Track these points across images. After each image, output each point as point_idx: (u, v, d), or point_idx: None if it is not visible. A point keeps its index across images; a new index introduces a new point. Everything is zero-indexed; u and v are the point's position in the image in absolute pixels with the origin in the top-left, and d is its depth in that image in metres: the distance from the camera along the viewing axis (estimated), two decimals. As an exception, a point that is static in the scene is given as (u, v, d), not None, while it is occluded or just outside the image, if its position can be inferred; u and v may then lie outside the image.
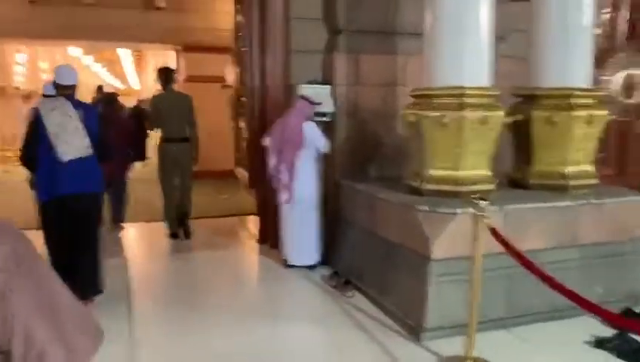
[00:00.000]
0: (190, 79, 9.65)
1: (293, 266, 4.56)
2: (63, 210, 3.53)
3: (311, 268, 4.53)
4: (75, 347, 1.12)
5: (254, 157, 5.29)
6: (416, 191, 3.83)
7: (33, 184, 3.96)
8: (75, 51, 19.63)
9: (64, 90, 3.67)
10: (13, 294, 1.01)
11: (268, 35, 4.97)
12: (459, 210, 3.37)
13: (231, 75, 6.18)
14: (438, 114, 3.65)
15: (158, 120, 5.50)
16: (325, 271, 4.46)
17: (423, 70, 3.86)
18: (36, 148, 3.52)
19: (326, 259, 4.64)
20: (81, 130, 3.52)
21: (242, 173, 5.90)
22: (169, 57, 11.46)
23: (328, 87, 4.83)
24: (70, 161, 3.47)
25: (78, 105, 3.65)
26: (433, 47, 3.74)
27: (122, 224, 6.08)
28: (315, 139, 4.46)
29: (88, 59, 23.58)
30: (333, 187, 4.72)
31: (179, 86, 10.16)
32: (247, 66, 5.37)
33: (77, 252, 3.60)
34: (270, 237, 5.13)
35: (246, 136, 5.70)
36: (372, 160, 4.93)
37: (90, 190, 3.64)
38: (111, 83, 37.08)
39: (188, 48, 9.62)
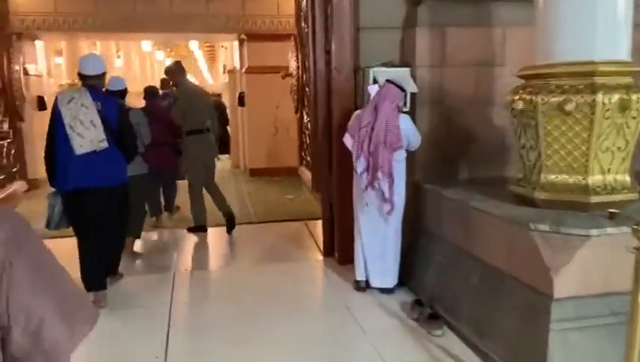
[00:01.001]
0: (254, 70, 9.04)
1: (366, 287, 3.76)
2: (79, 203, 3.48)
3: (387, 291, 3.71)
4: (72, 321, 1.12)
5: (318, 156, 4.53)
6: (527, 201, 2.93)
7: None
8: (147, 46, 19.85)
9: (88, 81, 3.57)
10: (13, 268, 1.02)
11: (333, 10, 4.17)
12: (594, 231, 2.45)
13: (293, 61, 5.45)
14: (559, 98, 2.72)
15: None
16: (405, 296, 3.63)
17: (535, 43, 2.94)
18: (55, 140, 3.46)
19: (403, 279, 3.80)
20: (97, 123, 3.40)
21: (306, 174, 5.17)
22: (235, 50, 10.95)
23: (407, 70, 3.97)
24: (84, 155, 3.38)
25: (98, 96, 3.52)
26: (551, 13, 2.81)
27: (172, 213, 6.15)
28: (410, 134, 3.61)
29: (160, 55, 23.96)
30: (412, 190, 3.86)
31: (241, 76, 9.66)
32: (309, 49, 4.60)
33: (100, 244, 3.58)
34: (338, 250, 4.36)
35: (308, 132, 4.96)
36: (461, 158, 4.03)
37: (105, 184, 3.51)
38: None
39: (252, 37, 9.01)
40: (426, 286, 3.61)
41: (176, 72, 5.42)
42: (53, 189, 3.59)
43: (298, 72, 5.26)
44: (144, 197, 5.07)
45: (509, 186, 3.16)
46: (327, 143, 4.46)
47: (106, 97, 3.71)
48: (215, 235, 5.57)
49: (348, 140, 3.69)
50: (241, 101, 9.43)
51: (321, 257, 4.60)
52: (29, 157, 8.41)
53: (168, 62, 31.95)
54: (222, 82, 18.78)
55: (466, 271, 3.21)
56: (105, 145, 3.43)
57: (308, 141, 5.09)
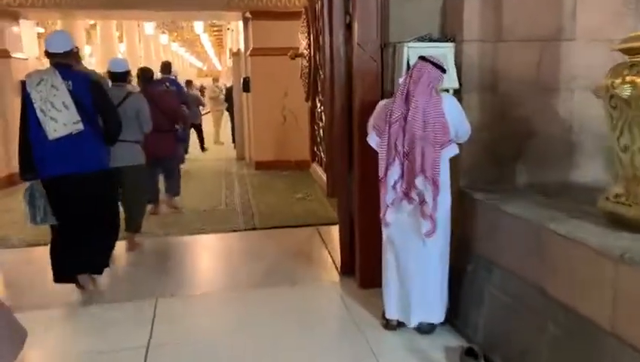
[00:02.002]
0: (259, 52, 8.17)
1: (398, 325, 2.94)
2: (58, 191, 3.31)
3: (428, 330, 2.89)
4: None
5: (335, 154, 3.70)
6: (631, 225, 2.09)
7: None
8: (150, 29, 18.99)
9: (55, 59, 3.35)
10: None
11: (355, -29, 3.31)
12: None
13: (304, 39, 4.59)
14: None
15: None
16: (449, 339, 2.81)
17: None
18: (26, 125, 3.27)
19: (446, 315, 2.97)
20: (69, 104, 3.20)
21: (319, 174, 4.34)
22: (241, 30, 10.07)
23: (450, 45, 3.11)
24: (60, 140, 3.19)
25: (68, 75, 3.29)
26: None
27: (176, 199, 5.84)
28: (458, 121, 2.76)
29: (164, 39, 23.12)
30: (456, 200, 3.01)
31: (245, 59, 8.78)
32: (324, 23, 3.73)
33: (84, 233, 3.39)
34: (360, 269, 3.54)
35: (322, 124, 4.12)
36: (518, 159, 3.17)
37: (86, 169, 3.32)
38: (193, 63, 36.95)
39: (257, 14, 8.13)
40: (478, 327, 2.78)
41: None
42: (26, 184, 3.38)
43: (310, 52, 4.41)
44: (146, 189, 4.82)
45: (596, 199, 2.31)
46: (346, 139, 3.62)
47: (78, 74, 3.46)
48: (211, 244, 4.76)
49: (373, 139, 2.83)
50: (246, 86, 8.57)
51: (338, 277, 3.77)
52: (12, 149, 7.62)
53: (174, 46, 31.07)
54: (228, 67, 17.97)
55: (539, 315, 2.37)
56: (80, 126, 3.23)
57: (322, 134, 4.26)
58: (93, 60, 20.17)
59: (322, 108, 4.17)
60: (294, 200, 6.21)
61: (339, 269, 3.83)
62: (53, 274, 3.45)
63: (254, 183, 7.34)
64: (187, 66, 37.27)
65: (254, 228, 5.05)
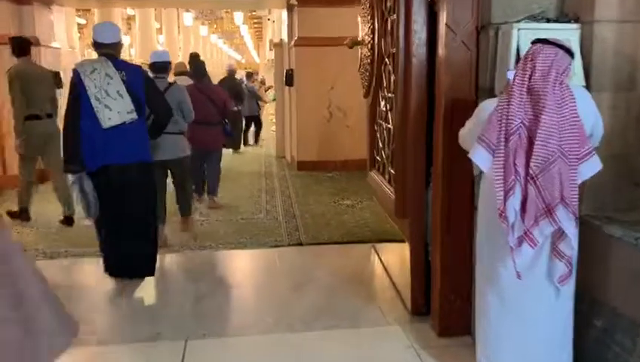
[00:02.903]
0: (304, 42, 7.47)
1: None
2: (108, 181, 3.28)
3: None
4: (39, 333, 1.10)
5: (408, 165, 2.96)
6: None
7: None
8: (189, 20, 18.57)
9: (104, 49, 3.37)
10: None
11: None
12: None
13: (366, 23, 3.84)
14: None
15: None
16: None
17: None
18: (78, 113, 3.22)
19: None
20: (124, 93, 3.23)
21: (380, 185, 3.59)
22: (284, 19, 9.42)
23: (574, 27, 2.34)
24: (112, 129, 3.20)
25: (120, 66, 3.33)
26: None
27: (216, 198, 5.68)
28: (594, 124, 2.08)
29: (204, 30, 22.71)
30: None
31: (289, 50, 8.09)
32: (397, 2, 2.98)
33: (127, 227, 3.35)
34: (438, 312, 2.80)
35: (386, 125, 3.37)
36: (664, 180, 2.37)
37: (136, 160, 3.33)
38: (232, 56, 36.81)
39: (303, 1, 7.43)
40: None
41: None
42: (70, 177, 3.30)
43: (373, 39, 3.68)
44: (191, 177, 4.89)
45: None
46: (422, 146, 2.89)
47: (130, 66, 3.51)
48: (251, 264, 4.11)
49: (481, 157, 2.06)
50: (289, 80, 7.89)
51: (407, 317, 3.04)
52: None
53: (213, 38, 30.84)
54: (268, 60, 17.34)
55: None
56: (134, 116, 3.25)
57: (385, 138, 3.52)
58: (133, 51, 19.94)
59: (388, 106, 3.43)
60: (343, 208, 5.50)
61: (407, 307, 3.10)
62: (106, 267, 3.49)
63: (297, 186, 6.65)
64: (225, 59, 36.97)
65: (300, 244, 4.37)
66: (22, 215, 5.04)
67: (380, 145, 3.76)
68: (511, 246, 1.98)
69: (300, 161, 7.77)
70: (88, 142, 3.22)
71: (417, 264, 3.01)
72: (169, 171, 4.45)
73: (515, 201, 1.96)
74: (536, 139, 1.93)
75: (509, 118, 1.98)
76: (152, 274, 3.50)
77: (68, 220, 4.90)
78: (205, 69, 5.72)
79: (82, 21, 16.78)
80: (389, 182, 3.47)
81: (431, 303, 2.91)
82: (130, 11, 18.39)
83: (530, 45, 2.08)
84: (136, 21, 17.87)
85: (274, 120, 14.20)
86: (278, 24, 12.10)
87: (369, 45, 3.79)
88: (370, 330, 2.92)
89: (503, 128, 1.99)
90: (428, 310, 2.99)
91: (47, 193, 6.26)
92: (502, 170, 1.97)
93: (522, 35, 2.34)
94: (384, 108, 3.56)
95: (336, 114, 7.63)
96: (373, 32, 3.69)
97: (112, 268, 3.46)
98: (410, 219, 3.00)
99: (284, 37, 8.78)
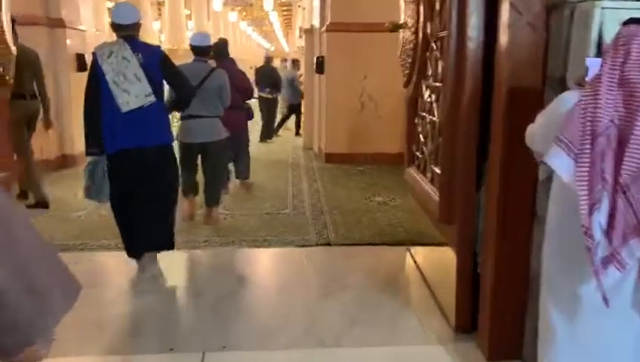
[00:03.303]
0: (337, 27, 7.11)
1: None
2: (126, 164, 3.23)
3: None
4: (44, 294, 1.11)
5: (457, 164, 2.61)
6: None
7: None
8: (218, 5, 18.30)
9: (122, 31, 3.30)
10: None
11: None
12: None
13: (409, 4, 3.47)
14: None
15: None
16: None
17: None
18: (97, 98, 3.19)
19: None
20: (141, 76, 3.16)
21: (420, 186, 3.24)
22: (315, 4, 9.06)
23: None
24: (131, 112, 3.15)
25: (137, 47, 3.26)
26: None
27: (248, 181, 5.78)
28: None
29: (233, 16, 22.44)
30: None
31: (320, 36, 7.72)
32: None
33: (144, 208, 3.30)
34: (489, 333, 2.45)
35: (430, 117, 3.00)
36: None
37: (154, 143, 3.29)
38: (261, 44, 36.61)
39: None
40: None
41: None
42: (88, 158, 3.28)
43: (417, 21, 3.31)
44: (226, 163, 4.97)
45: None
46: (474, 142, 2.54)
47: (148, 47, 3.39)
48: (276, 265, 3.81)
49: (561, 160, 1.68)
50: (320, 67, 7.55)
51: (450, 334, 2.70)
52: (65, 128, 7.01)
53: (242, 25, 30.65)
54: (298, 47, 17.00)
55: None
56: (152, 99, 3.20)
57: (429, 132, 3.17)
58: (163, 37, 19.83)
59: (433, 97, 3.08)
60: (375, 205, 5.16)
61: (450, 322, 2.76)
62: (127, 251, 3.44)
63: (325, 180, 6.33)
64: (255, 47, 36.75)
65: (329, 244, 4.06)
66: (38, 204, 4.89)
67: (422, 139, 3.41)
68: (595, 269, 1.62)
69: (328, 153, 7.44)
70: (107, 126, 3.20)
71: (464, 275, 2.67)
72: (200, 155, 4.47)
73: (600, 216, 1.60)
74: (630, 141, 1.57)
75: (596, 115, 1.61)
76: (171, 247, 3.50)
77: (40, 204, 4.88)
78: (227, 50, 5.43)
79: (110, 4, 16.70)
80: (432, 181, 3.12)
81: (479, 321, 2.57)
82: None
83: (620, 27, 1.71)
84: (166, 6, 17.71)
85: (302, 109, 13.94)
86: (309, 10, 11.74)
87: (412, 28, 3.43)
88: (409, 349, 2.59)
89: (588, 128, 1.62)
90: (474, 327, 2.66)
91: (68, 179, 6.12)
92: (587, 178, 1.61)
93: (607, 15, 1.96)
94: (428, 99, 3.20)
95: (368, 104, 7.27)
96: (417, 14, 3.33)
97: (132, 247, 3.41)
98: (458, 225, 2.65)
99: (316, 23, 8.42)
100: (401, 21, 3.71)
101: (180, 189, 3.95)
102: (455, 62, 2.60)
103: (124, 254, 3.71)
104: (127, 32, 3.28)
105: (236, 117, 5.18)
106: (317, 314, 2.88)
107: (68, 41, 6.88)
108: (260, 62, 10.61)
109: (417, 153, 3.55)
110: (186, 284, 3.47)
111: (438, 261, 3.59)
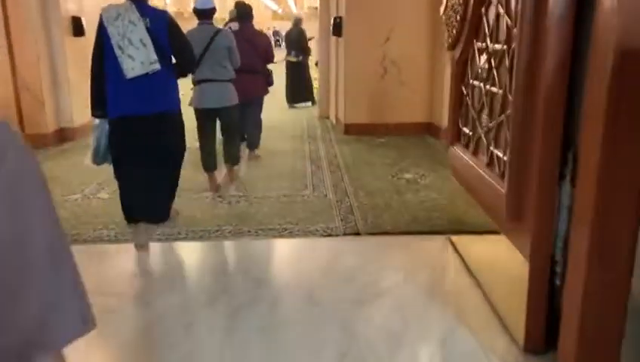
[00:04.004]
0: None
1: None
2: (127, 130, 3.14)
3: None
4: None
5: (532, 147, 2.06)
6: None
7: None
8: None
9: None
10: None
11: None
12: None
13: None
14: None
15: None
16: None
17: None
18: (101, 62, 3.09)
19: None
20: (147, 42, 3.04)
21: (471, 171, 2.67)
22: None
23: None
24: (135, 78, 3.04)
25: (145, 11, 3.12)
26: None
27: (257, 151, 5.66)
28: None
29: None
30: None
31: None
32: None
33: (143, 175, 3.20)
34: (577, 352, 1.95)
35: (488, 87, 2.41)
36: None
37: (157, 110, 3.16)
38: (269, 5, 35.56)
39: None
40: None
41: None
42: (96, 121, 3.25)
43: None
44: (240, 126, 4.91)
45: None
46: (560, 122, 1.98)
47: (156, 11, 3.26)
48: (298, 263, 3.30)
49: None
50: (337, 29, 6.90)
51: (517, 354, 2.20)
52: (62, 99, 6.47)
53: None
54: (308, 8, 16.11)
55: None
56: (157, 66, 3.08)
57: (485, 105, 2.60)
58: (168, 1, 19.03)
59: (493, 62, 2.49)
60: (403, 184, 4.62)
61: (516, 339, 2.25)
62: (124, 216, 3.32)
63: (345, 154, 5.78)
64: (262, 9, 35.57)
65: (357, 233, 3.54)
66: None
67: (473, 114, 2.84)
68: None
69: (347, 124, 6.86)
70: (110, 90, 3.10)
71: (538, 287, 2.15)
72: (217, 119, 4.47)
73: None
74: None
75: None
76: (163, 220, 3.42)
77: None
78: (246, 12, 5.33)
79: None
80: (489, 165, 2.57)
81: (561, 344, 2.06)
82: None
83: None
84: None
85: (315, 75, 13.25)
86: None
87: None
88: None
89: None
90: (548, 347, 2.16)
91: (67, 154, 5.61)
92: None
93: None
94: (484, 65, 2.62)
95: (391, 69, 6.65)
96: (469, -40, 2.72)
97: (130, 212, 3.29)
98: (532, 224, 2.11)
99: (331, -20, 7.71)
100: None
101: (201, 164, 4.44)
102: (532, 18, 2.02)
103: (125, 247, 3.27)
104: None
105: (253, 81, 5.13)
106: (353, 332, 2.38)
107: (61, 2, 6.27)
108: (266, 26, 10.36)
109: (466, 129, 2.98)
110: (191, 291, 2.96)
111: (489, 256, 3.07)
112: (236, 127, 4.66)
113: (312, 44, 12.47)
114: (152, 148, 3.17)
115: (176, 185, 3.45)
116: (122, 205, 3.29)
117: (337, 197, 4.29)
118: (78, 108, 6.46)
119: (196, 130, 4.41)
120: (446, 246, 3.34)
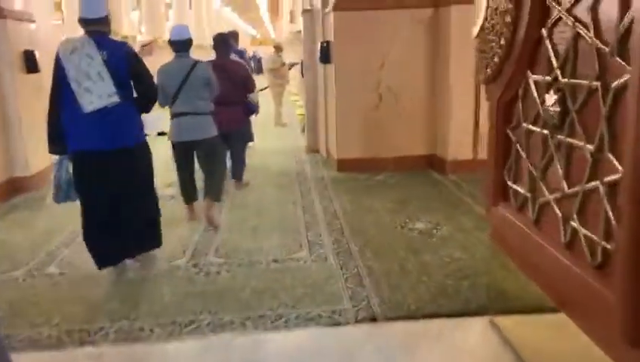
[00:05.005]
0: (347, 5, 5.73)
1: None
2: (90, 166, 3.11)
3: None
4: None
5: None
6: None
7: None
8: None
9: (88, 26, 3.13)
10: None
11: None
12: None
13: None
14: None
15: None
16: None
17: None
18: (59, 97, 3.08)
19: None
20: (105, 75, 3.02)
21: (533, 245, 1.91)
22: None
23: None
24: (94, 112, 3.00)
25: (103, 44, 3.09)
26: None
27: (242, 182, 5.49)
28: None
29: (216, 2, 20.85)
30: None
31: (324, 17, 6.22)
32: None
33: (120, 212, 3.18)
34: None
35: (563, 138, 1.67)
36: None
37: (118, 145, 3.10)
38: (246, 30, 35.13)
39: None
40: None
41: None
42: (55, 157, 3.20)
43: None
44: (223, 159, 4.74)
45: None
46: None
47: (114, 44, 3.19)
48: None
49: None
50: (325, 55, 6.20)
51: None
52: (13, 144, 5.63)
53: (227, 11, 29.22)
54: (290, 33, 15.44)
55: None
56: (116, 99, 3.04)
57: (558, 160, 1.87)
58: (143, 29, 18.34)
59: (570, 103, 1.78)
60: (416, 238, 3.85)
61: None
62: (96, 260, 3.23)
63: (343, 198, 5.01)
64: (241, 34, 35.19)
65: (374, 319, 2.75)
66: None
67: (532, 170, 2.10)
68: None
69: (340, 159, 6.11)
70: (70, 125, 3.06)
71: None
72: (195, 154, 4.34)
73: None
74: None
75: None
76: (157, 245, 3.43)
77: None
78: (222, 41, 5.13)
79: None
80: (571, 248, 1.82)
81: None
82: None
83: None
84: (143, -7, 16.21)
85: (298, 101, 12.57)
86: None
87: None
88: None
89: None
90: None
91: (18, 211, 4.72)
92: None
93: None
94: (554, 106, 1.89)
95: (387, 97, 5.95)
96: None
97: (104, 255, 3.24)
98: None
99: (315, 2, 7.05)
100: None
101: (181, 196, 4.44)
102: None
103: (71, 357, 2.46)
104: (93, 27, 3.12)
105: (231, 113, 4.93)
106: None
107: (11, 34, 5.47)
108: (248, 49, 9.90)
109: (519, 188, 2.25)
110: None
111: (553, 348, 2.31)
112: (217, 159, 4.43)
113: (293, 72, 11.85)
114: (116, 183, 3.12)
115: (155, 215, 3.40)
116: (93, 246, 3.21)
117: (340, 260, 3.51)
118: (34, 153, 5.63)
119: (175, 164, 4.38)
120: (489, 333, 2.57)
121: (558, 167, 1.88)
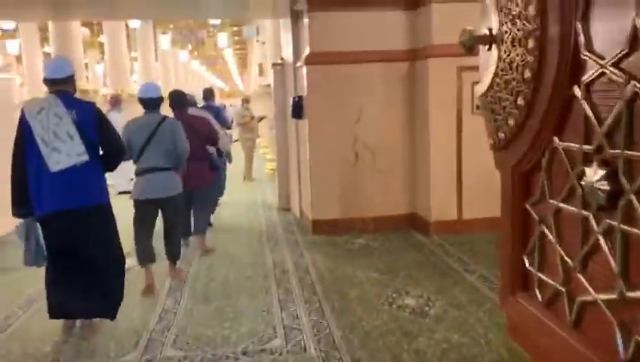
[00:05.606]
0: (320, 59, 5.44)
1: None
2: (57, 227, 3.06)
3: None
4: None
5: None
6: None
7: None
8: (166, 43, 16.55)
9: (54, 86, 3.17)
10: None
11: None
12: None
13: (512, 2, 1.81)
14: None
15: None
16: None
17: None
18: (23, 157, 3.03)
19: None
20: (74, 134, 3.03)
21: (563, 345, 1.49)
22: (285, 31, 7.46)
23: None
24: (61, 172, 2.98)
25: (71, 103, 3.13)
26: None
27: (206, 246, 5.11)
28: None
29: (184, 56, 20.64)
30: None
31: (295, 71, 5.89)
32: None
33: (85, 272, 3.12)
34: None
35: (610, 221, 1.22)
36: None
37: (86, 203, 3.09)
38: (214, 83, 35.19)
39: (318, 4, 5.43)
40: None
41: None
42: (19, 220, 3.11)
43: (544, 26, 1.66)
44: (183, 217, 4.60)
45: None
46: None
47: (82, 104, 3.23)
48: None
49: None
50: (298, 111, 5.85)
51: None
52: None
53: (195, 64, 29.17)
54: (259, 86, 15.22)
55: None
56: (85, 158, 3.04)
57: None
58: (109, 81, 17.92)
59: (611, 176, 1.40)
60: (407, 318, 3.37)
61: None
62: (49, 310, 3.18)
63: (320, 268, 4.51)
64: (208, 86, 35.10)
65: None
66: None
67: (565, 257, 1.69)
68: None
69: (315, 220, 5.65)
70: (36, 186, 2.99)
71: None
72: (160, 210, 4.19)
73: None
74: None
75: None
76: (112, 317, 3.28)
77: None
78: (178, 99, 5.02)
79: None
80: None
81: None
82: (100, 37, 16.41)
83: None
84: (106, 48, 15.84)
85: (267, 156, 12.20)
86: (273, 42, 10.22)
87: (524, 41, 1.76)
88: None
89: None
90: None
91: None
92: None
93: None
94: (600, 183, 1.50)
95: (364, 154, 5.59)
96: (542, 14, 1.66)
97: (60, 310, 3.18)
98: None
99: (286, 55, 6.77)
100: (492, 31, 2.03)
101: (136, 257, 4.13)
102: None
103: None
104: (59, 86, 3.15)
105: (197, 168, 4.78)
106: None
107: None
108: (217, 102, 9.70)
109: (547, 278, 1.83)
110: None
111: None
112: (178, 219, 4.33)
113: (263, 124, 11.55)
114: (87, 243, 3.09)
115: (122, 277, 3.33)
116: (50, 296, 3.15)
117: (322, 349, 2.99)
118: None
119: (132, 223, 4.10)
120: None
121: (610, 259, 1.47)
